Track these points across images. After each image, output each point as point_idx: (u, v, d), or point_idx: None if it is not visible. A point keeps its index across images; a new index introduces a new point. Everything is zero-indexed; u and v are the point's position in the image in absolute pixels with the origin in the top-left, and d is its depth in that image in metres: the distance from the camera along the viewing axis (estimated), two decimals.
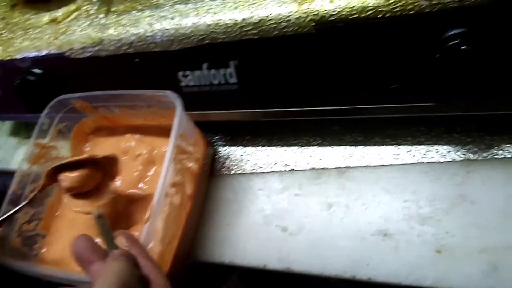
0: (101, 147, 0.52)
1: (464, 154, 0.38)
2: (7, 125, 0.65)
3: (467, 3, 0.31)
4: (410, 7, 0.32)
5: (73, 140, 0.51)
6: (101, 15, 0.47)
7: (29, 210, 0.46)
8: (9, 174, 0.63)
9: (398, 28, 0.33)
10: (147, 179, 0.45)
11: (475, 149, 0.38)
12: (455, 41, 0.31)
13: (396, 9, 0.33)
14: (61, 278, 0.38)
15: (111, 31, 0.45)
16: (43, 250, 0.47)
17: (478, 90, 0.33)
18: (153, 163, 0.46)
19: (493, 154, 0.37)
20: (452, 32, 0.32)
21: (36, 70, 0.49)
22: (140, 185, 0.46)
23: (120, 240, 0.32)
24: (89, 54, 0.46)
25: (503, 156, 0.36)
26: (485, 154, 0.37)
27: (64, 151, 0.50)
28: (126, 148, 0.49)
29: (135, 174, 0.46)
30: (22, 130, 0.63)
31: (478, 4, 0.31)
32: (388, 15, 0.33)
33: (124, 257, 0.29)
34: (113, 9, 0.47)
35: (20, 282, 0.43)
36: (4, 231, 0.43)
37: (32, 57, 0.49)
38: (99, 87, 0.47)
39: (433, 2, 0.32)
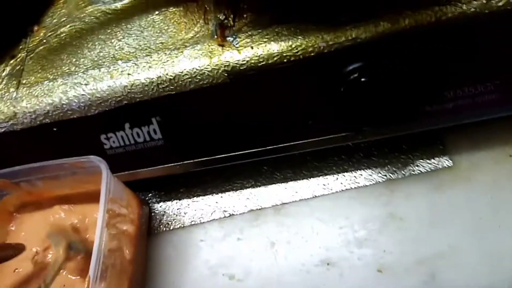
0: (28, 224, 0.48)
1: (385, 175, 0.41)
2: None
3: (360, 41, 0.34)
4: (310, 49, 0.35)
5: None
6: (12, 89, 0.45)
7: None
8: None
9: (304, 69, 0.36)
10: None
11: (394, 169, 0.41)
12: (355, 75, 0.34)
13: (299, 53, 0.35)
14: None
15: (24, 103, 0.43)
16: None
17: (383, 115, 0.36)
18: (86, 231, 0.44)
19: (411, 171, 0.40)
20: (351, 67, 0.35)
21: None
22: None
23: None
24: (3, 130, 0.44)
25: (419, 171, 0.40)
26: (403, 172, 0.40)
27: None
28: (56, 220, 0.47)
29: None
30: None
31: (369, 40, 0.34)
32: (292, 59, 0.35)
33: None
34: (23, 81, 0.45)
35: None
36: None
37: None
38: (18, 162, 0.45)
39: (330, 43, 0.35)
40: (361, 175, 0.41)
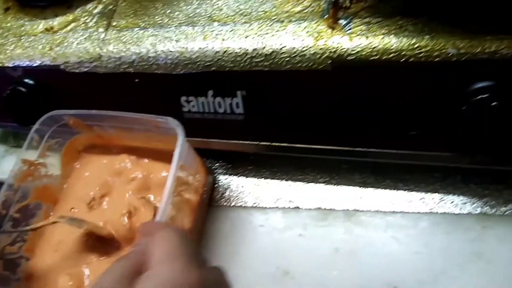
0: (93, 165, 0.49)
1: (480, 208, 0.36)
2: None
3: (497, 56, 0.29)
4: (436, 53, 0.30)
5: (64, 157, 0.48)
6: (101, 29, 0.44)
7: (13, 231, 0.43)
8: None
9: (422, 75, 0.31)
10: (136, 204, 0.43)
11: (493, 202, 0.36)
12: (483, 95, 0.29)
13: (421, 55, 0.30)
14: None
15: (110, 47, 0.42)
16: (26, 274, 0.44)
17: (504, 145, 0.31)
18: (148, 190, 0.44)
19: (511, 210, 0.35)
20: (480, 85, 0.30)
21: (28, 81, 0.46)
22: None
23: None
24: (85, 70, 0.43)
25: None
26: (502, 209, 0.35)
27: (53, 168, 0.47)
28: (121, 169, 0.46)
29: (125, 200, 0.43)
30: (10, 137, 0.60)
31: (509, 58, 0.28)
32: (411, 60, 0.30)
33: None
34: (113, 23, 0.44)
35: None
36: None
37: (24, 67, 0.46)
38: (94, 104, 0.44)
39: (461, 51, 0.29)
40: (453, 201, 0.37)
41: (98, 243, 0.43)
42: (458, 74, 0.30)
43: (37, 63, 0.45)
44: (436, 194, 0.37)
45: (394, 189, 0.39)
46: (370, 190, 0.39)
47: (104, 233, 0.41)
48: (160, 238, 0.27)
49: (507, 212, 0.35)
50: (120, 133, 0.44)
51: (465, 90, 0.30)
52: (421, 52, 0.30)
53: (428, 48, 0.30)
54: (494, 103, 0.28)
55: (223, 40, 0.37)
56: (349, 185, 0.40)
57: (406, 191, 0.38)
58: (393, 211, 0.37)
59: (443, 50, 0.30)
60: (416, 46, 0.30)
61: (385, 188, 0.39)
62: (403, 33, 0.31)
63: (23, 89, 0.46)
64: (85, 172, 0.49)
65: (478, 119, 0.30)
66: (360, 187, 0.40)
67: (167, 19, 0.41)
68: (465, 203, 0.36)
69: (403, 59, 0.31)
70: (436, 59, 0.30)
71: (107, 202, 0.45)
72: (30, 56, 0.46)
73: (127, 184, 0.45)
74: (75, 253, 0.44)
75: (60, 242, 0.45)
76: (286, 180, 0.43)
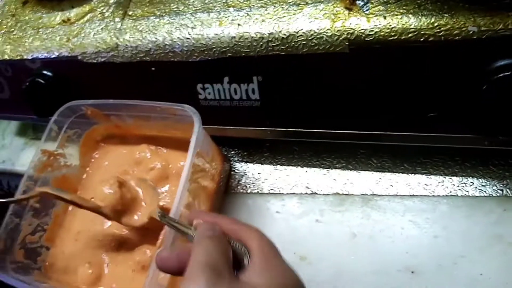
0: (112, 155, 0.49)
1: (501, 190, 0.35)
2: (14, 124, 0.62)
3: None
4: (456, 32, 0.30)
5: (82, 147, 0.48)
6: (117, 19, 0.44)
7: (33, 220, 0.44)
8: (14, 175, 0.62)
9: (442, 54, 0.31)
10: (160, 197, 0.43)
11: None
12: (506, 73, 0.29)
13: (441, 34, 0.30)
14: None
15: (127, 36, 0.42)
16: (47, 263, 0.45)
17: None
18: (166, 179, 0.44)
19: None
20: (501, 63, 0.29)
21: (46, 73, 0.47)
22: None
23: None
24: (103, 60, 0.44)
25: None
26: None
27: (72, 158, 0.48)
28: (140, 159, 0.47)
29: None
30: (29, 130, 0.61)
31: None
32: (431, 39, 0.30)
33: (211, 232, 0.28)
34: (129, 13, 0.44)
35: None
36: (6, 243, 0.41)
37: (42, 59, 0.47)
38: (111, 94, 0.45)
39: (482, 29, 0.29)
40: (473, 183, 0.36)
41: (119, 233, 0.44)
42: (479, 52, 0.30)
43: (55, 54, 0.46)
44: (455, 177, 0.37)
45: (412, 173, 0.38)
46: (387, 175, 0.39)
47: (90, 206, 0.39)
48: (195, 251, 0.26)
49: None
50: (138, 122, 0.45)
51: (486, 69, 0.29)
52: (441, 31, 0.30)
53: (448, 26, 0.30)
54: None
55: (238, 25, 0.37)
56: (366, 170, 0.40)
57: (424, 174, 0.38)
58: (412, 195, 0.37)
59: (464, 28, 0.29)
60: (435, 25, 0.30)
61: (403, 172, 0.39)
62: (421, 12, 0.31)
63: (41, 81, 0.47)
64: (104, 162, 0.49)
65: (500, 98, 0.29)
66: (377, 171, 0.40)
67: (183, 6, 0.41)
68: (485, 185, 0.36)
69: (423, 39, 0.30)
70: (456, 38, 0.30)
71: None
72: (48, 48, 0.47)
73: (146, 174, 0.45)
74: (94, 241, 0.45)
75: (79, 232, 0.46)
76: (302, 166, 0.43)
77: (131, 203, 0.38)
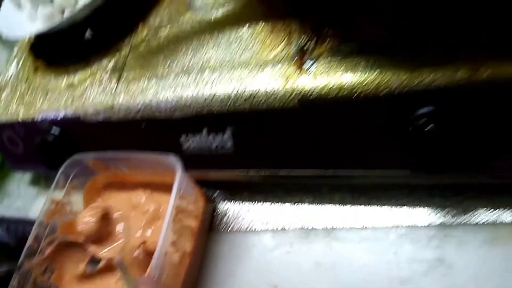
0: (113, 201, 0.56)
1: (442, 218, 0.40)
2: (28, 175, 0.70)
3: (434, 84, 0.34)
4: (381, 87, 0.36)
5: (86, 195, 0.55)
6: (113, 82, 0.52)
7: (44, 262, 0.50)
8: (28, 222, 0.68)
9: (373, 105, 0.37)
10: (148, 234, 0.49)
11: (453, 213, 0.40)
12: (424, 119, 0.34)
13: (370, 89, 0.36)
14: None
15: (121, 99, 0.49)
16: None
17: (449, 163, 0.36)
18: (158, 219, 0.50)
19: (469, 219, 0.39)
20: (421, 111, 0.35)
21: (54, 131, 0.54)
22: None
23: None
24: (101, 119, 0.51)
25: (477, 221, 0.39)
26: (461, 219, 0.39)
27: (77, 206, 0.54)
28: (137, 202, 0.53)
29: (140, 229, 0.50)
30: (42, 180, 0.68)
31: (444, 86, 0.34)
32: (362, 95, 0.36)
33: None
34: (124, 75, 0.52)
35: None
36: (19, 284, 0.47)
37: (50, 119, 0.54)
38: (110, 147, 0.52)
39: (404, 83, 0.35)
40: (417, 213, 0.41)
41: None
42: (402, 102, 0.35)
43: (61, 115, 0.54)
44: (404, 207, 0.42)
45: (368, 205, 0.44)
46: (346, 208, 0.44)
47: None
48: None
49: (465, 221, 0.39)
50: (133, 170, 0.51)
51: (409, 116, 0.35)
52: (370, 87, 0.36)
53: (376, 82, 0.36)
54: (433, 126, 0.34)
55: (211, 86, 0.44)
56: (329, 204, 0.45)
57: (378, 206, 0.43)
58: (366, 227, 0.42)
59: (389, 83, 0.35)
60: (365, 83, 0.36)
61: (360, 205, 0.44)
62: (356, 70, 0.37)
63: (50, 138, 0.54)
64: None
65: (423, 141, 0.35)
66: (339, 205, 0.45)
67: (167, 70, 0.48)
68: (430, 214, 0.41)
69: (355, 95, 0.36)
70: (382, 92, 0.36)
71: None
72: (55, 109, 0.54)
73: (141, 216, 0.52)
74: (99, 281, 0.50)
75: (84, 271, 0.52)
76: (276, 203, 0.48)
77: (108, 236, 0.44)
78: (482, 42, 0.34)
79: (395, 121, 0.36)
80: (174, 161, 0.45)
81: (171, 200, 0.42)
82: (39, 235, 0.50)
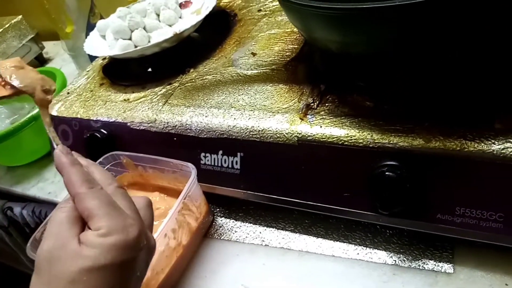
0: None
1: (395, 260, 0.49)
2: None
3: (397, 146, 0.45)
4: (360, 141, 0.47)
5: None
6: (160, 104, 0.65)
7: None
8: (54, 205, 0.79)
9: (351, 153, 0.48)
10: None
11: (405, 257, 0.48)
12: (383, 169, 0.45)
13: (351, 141, 0.47)
14: None
15: (163, 116, 0.62)
16: None
17: (398, 209, 0.45)
18: (164, 217, 0.60)
19: (416, 264, 0.47)
20: (383, 163, 0.45)
21: (103, 131, 0.67)
22: None
23: None
24: (143, 128, 0.63)
25: (423, 267, 0.47)
26: (410, 263, 0.48)
27: None
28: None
29: None
30: None
31: (405, 149, 0.45)
32: (345, 144, 0.47)
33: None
34: (169, 101, 0.65)
35: None
36: None
37: (103, 121, 0.68)
38: (143, 151, 0.64)
39: (375, 141, 0.46)
40: (376, 253, 0.50)
41: None
42: (371, 155, 0.46)
43: (112, 120, 0.67)
44: (366, 247, 0.51)
45: (337, 241, 0.53)
46: (320, 239, 0.53)
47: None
48: None
49: (412, 266, 0.47)
50: (155, 173, 0.63)
51: (375, 165, 0.46)
52: (351, 140, 0.47)
53: (356, 137, 0.47)
54: (394, 175, 0.44)
55: (234, 119, 0.56)
56: (306, 234, 0.55)
57: (345, 243, 0.52)
58: (333, 256, 0.51)
59: (364, 139, 0.46)
60: (348, 135, 0.47)
61: (331, 239, 0.53)
62: (343, 127, 0.48)
63: (98, 136, 0.67)
64: None
65: (381, 185, 0.45)
66: (314, 236, 0.54)
67: (204, 103, 0.61)
68: (387, 256, 0.49)
69: (339, 144, 0.48)
70: (359, 145, 0.47)
71: None
72: (109, 115, 0.68)
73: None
74: None
75: None
76: (263, 225, 0.58)
77: None
78: (435, 122, 0.45)
79: (365, 167, 0.47)
80: (190, 167, 0.56)
81: (181, 194, 0.52)
82: None
